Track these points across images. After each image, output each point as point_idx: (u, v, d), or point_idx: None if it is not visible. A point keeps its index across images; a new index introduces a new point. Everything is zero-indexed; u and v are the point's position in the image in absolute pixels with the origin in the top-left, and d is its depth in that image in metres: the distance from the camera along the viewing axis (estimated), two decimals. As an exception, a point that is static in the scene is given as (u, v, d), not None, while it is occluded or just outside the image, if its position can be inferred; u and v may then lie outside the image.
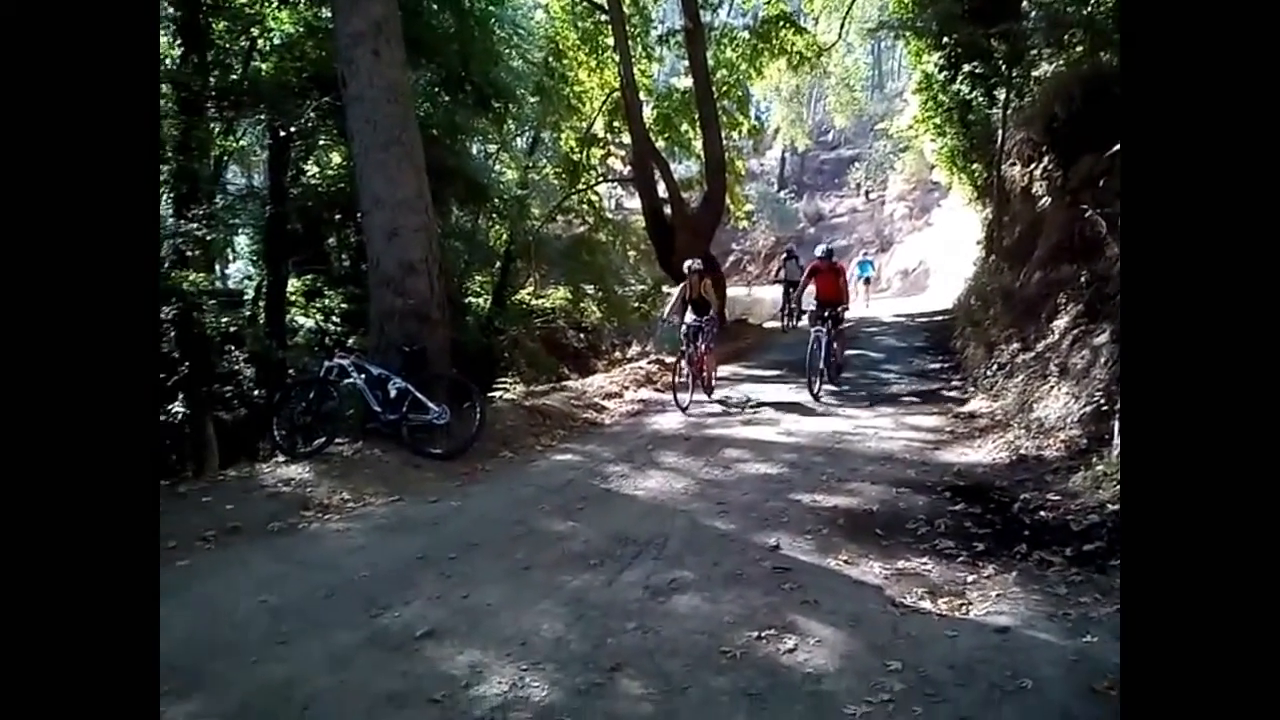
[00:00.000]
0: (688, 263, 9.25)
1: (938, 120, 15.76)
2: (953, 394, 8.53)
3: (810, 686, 2.80)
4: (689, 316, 8.99)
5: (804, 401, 8.58)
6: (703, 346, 8.88)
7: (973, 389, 8.38)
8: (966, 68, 12.71)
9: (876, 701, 2.67)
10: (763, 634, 3.19)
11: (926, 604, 3.46)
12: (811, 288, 9.79)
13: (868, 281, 21.88)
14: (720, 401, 8.99)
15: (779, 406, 8.48)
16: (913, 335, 14.02)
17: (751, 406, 8.63)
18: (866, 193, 38.75)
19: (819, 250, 10.06)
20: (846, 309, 9.62)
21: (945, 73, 13.52)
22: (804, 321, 12.22)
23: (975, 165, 15.51)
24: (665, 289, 16.08)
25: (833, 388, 9.10)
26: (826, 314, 9.18)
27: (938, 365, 10.51)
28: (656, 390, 10.11)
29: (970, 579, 3.73)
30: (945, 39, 12.84)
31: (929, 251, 28.36)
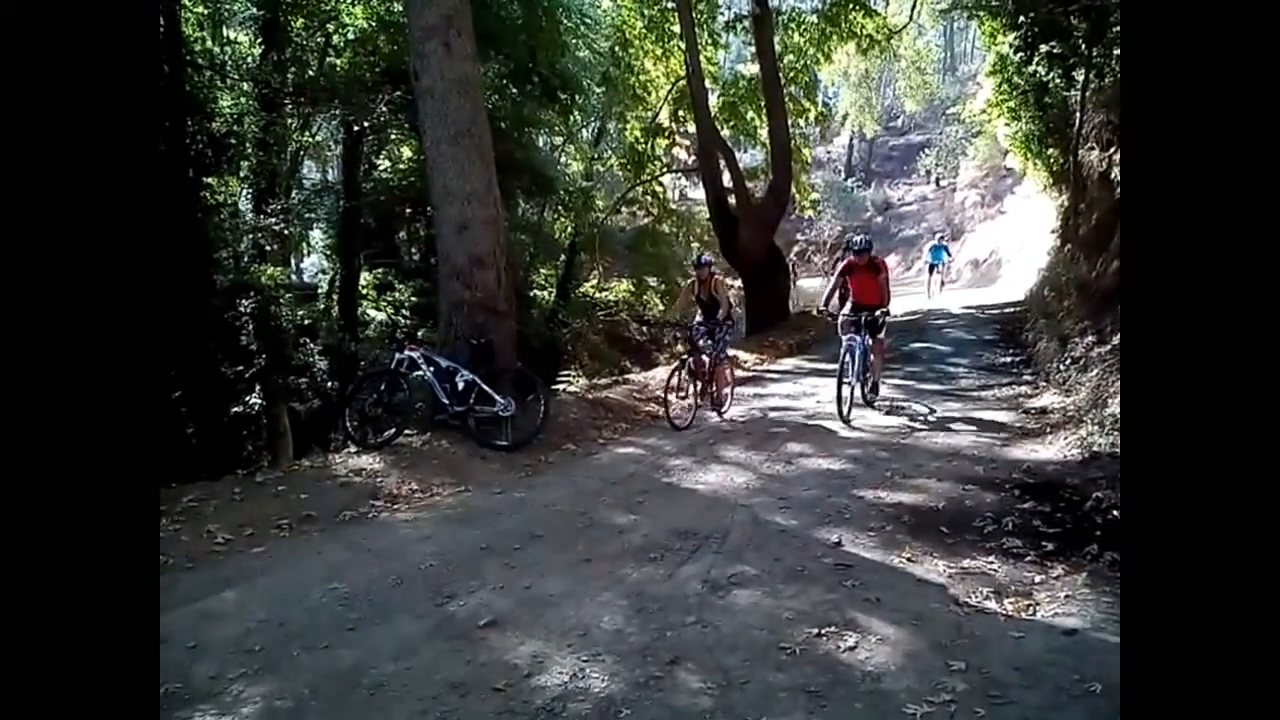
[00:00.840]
0: (695, 256, 8.53)
1: (1012, 103, 15.32)
2: (1023, 388, 8.30)
3: (870, 685, 2.78)
4: (696, 319, 8.04)
5: (856, 405, 7.44)
6: (713, 355, 7.88)
7: (1044, 383, 8.13)
8: (1044, 48, 12.25)
9: (938, 701, 2.65)
10: (823, 631, 3.18)
11: (992, 604, 3.39)
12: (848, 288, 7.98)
13: (937, 269, 21.11)
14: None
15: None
16: (982, 328, 13.68)
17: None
18: (937, 180, 37.75)
19: (855, 242, 8.04)
20: (888, 313, 7.79)
21: (1021, 54, 13.08)
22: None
23: (1051, 150, 15.04)
24: (728, 281, 15.99)
25: (868, 408, 7.69)
26: (863, 319, 7.54)
27: (1008, 359, 10.21)
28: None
29: (1038, 579, 3.64)
30: (1021, 18, 12.40)
31: (1001, 241, 27.56)
